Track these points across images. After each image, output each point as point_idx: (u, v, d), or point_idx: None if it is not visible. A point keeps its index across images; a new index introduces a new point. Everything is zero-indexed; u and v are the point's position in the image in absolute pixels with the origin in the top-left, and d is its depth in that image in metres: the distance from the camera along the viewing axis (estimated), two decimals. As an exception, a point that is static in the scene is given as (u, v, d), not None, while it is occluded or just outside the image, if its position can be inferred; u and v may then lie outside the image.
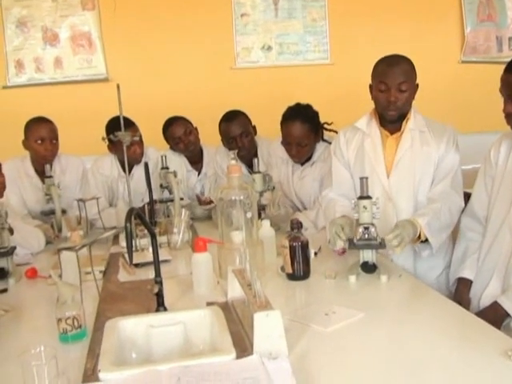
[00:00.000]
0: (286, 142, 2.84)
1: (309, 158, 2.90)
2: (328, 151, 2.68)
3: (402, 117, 2.33)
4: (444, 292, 2.21)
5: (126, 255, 1.75)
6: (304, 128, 2.76)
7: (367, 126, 2.40)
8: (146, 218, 1.71)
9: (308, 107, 2.85)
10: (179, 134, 3.34)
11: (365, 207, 1.88)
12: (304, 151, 2.83)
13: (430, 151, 2.30)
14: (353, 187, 2.41)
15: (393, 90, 2.23)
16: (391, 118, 2.31)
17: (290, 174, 2.98)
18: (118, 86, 2.32)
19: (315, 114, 2.86)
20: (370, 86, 2.35)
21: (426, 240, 2.13)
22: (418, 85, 2.31)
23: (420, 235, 2.09)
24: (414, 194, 2.31)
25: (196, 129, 3.42)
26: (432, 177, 2.31)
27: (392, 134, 2.36)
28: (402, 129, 2.34)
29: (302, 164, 2.93)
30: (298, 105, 2.85)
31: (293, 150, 2.82)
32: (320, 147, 2.87)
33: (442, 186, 2.28)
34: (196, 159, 3.49)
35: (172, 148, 3.41)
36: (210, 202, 3.12)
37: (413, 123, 2.33)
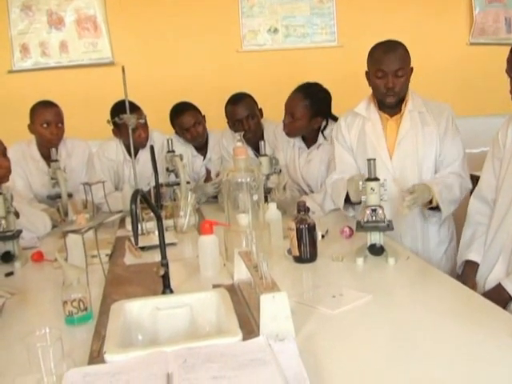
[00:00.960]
0: (285, 113, 2.82)
1: (315, 141, 2.87)
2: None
3: (401, 100, 2.40)
4: (453, 265, 2.32)
5: (133, 238, 1.75)
6: (301, 101, 2.75)
7: (366, 110, 2.50)
8: (150, 200, 1.70)
9: (316, 85, 2.83)
10: (188, 125, 3.32)
11: (372, 189, 1.87)
12: (295, 125, 2.79)
13: (430, 130, 2.39)
14: (357, 171, 2.45)
15: (390, 76, 2.31)
16: (390, 104, 2.41)
17: (296, 158, 2.95)
18: (123, 69, 2.29)
19: (323, 95, 2.82)
20: (367, 73, 2.40)
21: (434, 208, 2.26)
22: (412, 68, 2.37)
23: (432, 201, 2.20)
24: (418, 173, 2.39)
25: (204, 117, 3.39)
26: (434, 156, 2.39)
27: (391, 116, 2.45)
28: (401, 111, 2.42)
29: (309, 147, 2.90)
30: (307, 83, 2.84)
31: (286, 118, 2.81)
32: (330, 126, 2.82)
33: (452, 168, 2.37)
34: (201, 145, 3.48)
35: (177, 133, 3.40)
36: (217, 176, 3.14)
37: (411, 105, 2.42)
